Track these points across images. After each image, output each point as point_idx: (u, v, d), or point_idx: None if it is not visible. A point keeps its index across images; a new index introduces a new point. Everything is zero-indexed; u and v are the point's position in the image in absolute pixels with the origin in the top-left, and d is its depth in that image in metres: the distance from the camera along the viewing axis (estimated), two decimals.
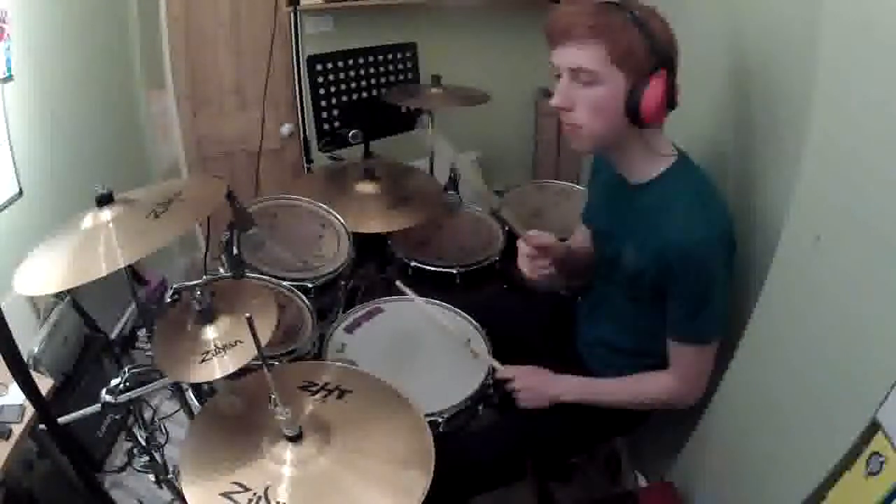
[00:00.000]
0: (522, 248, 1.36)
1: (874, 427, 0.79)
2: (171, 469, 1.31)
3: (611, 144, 1.18)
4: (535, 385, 1.34)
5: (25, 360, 1.12)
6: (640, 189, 1.21)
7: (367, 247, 1.92)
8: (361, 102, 2.39)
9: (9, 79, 1.63)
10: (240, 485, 0.90)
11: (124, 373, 1.14)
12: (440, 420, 1.29)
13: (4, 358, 0.85)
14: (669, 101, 1.08)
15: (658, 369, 1.27)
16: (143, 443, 1.26)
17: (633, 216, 1.22)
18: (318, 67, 2.28)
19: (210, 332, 1.13)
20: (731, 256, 1.16)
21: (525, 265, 1.37)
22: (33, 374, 0.93)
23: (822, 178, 0.96)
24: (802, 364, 0.99)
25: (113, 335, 2.11)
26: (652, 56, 1.05)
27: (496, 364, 1.39)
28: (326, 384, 1.10)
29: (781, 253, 1.07)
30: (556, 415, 1.35)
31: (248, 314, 0.89)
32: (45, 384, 1.43)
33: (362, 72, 2.37)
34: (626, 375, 1.32)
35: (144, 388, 1.15)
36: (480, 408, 1.38)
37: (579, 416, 1.34)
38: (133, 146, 2.44)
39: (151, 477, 1.30)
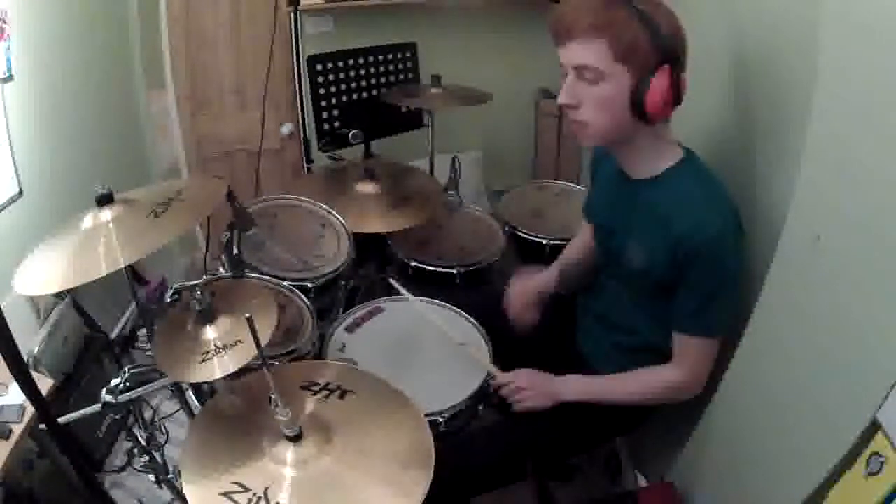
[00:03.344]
0: (516, 300, 1.48)
1: (874, 427, 0.79)
2: (171, 469, 1.30)
3: (618, 140, 1.18)
4: (536, 384, 1.32)
5: (25, 360, 1.12)
6: (645, 184, 1.21)
7: (367, 247, 1.92)
8: (361, 102, 2.39)
9: (9, 79, 1.63)
10: (240, 485, 0.90)
11: (124, 373, 1.14)
12: (440, 420, 1.29)
13: (4, 358, 0.85)
14: (675, 97, 1.08)
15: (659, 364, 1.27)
16: (143, 443, 1.26)
17: (639, 212, 1.22)
18: (318, 67, 2.28)
19: (210, 332, 1.12)
20: (741, 251, 1.16)
21: (519, 317, 1.49)
22: (33, 374, 0.93)
23: (822, 178, 0.96)
24: (802, 364, 0.99)
25: (113, 335, 2.11)
26: (656, 51, 1.04)
27: (494, 369, 1.37)
28: (328, 384, 1.10)
29: (781, 253, 1.07)
30: (557, 415, 1.35)
31: (248, 314, 0.89)
32: (45, 384, 1.43)
33: (362, 72, 2.37)
34: (626, 372, 1.31)
35: (144, 388, 1.15)
36: (480, 408, 1.38)
37: (579, 416, 1.34)
38: (133, 146, 2.44)
39: (151, 477, 1.30)
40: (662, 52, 1.04)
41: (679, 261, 1.13)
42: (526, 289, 1.50)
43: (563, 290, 1.50)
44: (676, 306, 1.19)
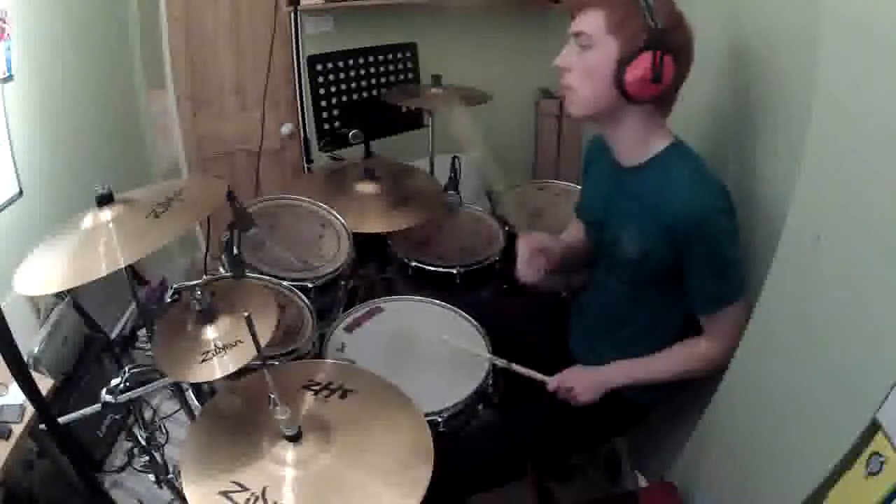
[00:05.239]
0: (522, 250, 1.40)
1: (874, 427, 0.78)
2: (171, 469, 1.31)
3: (604, 115, 1.20)
4: (583, 380, 1.33)
5: (25, 360, 1.12)
6: (636, 171, 1.23)
7: (367, 247, 1.92)
8: (361, 102, 2.39)
9: (9, 79, 1.63)
10: (239, 484, 0.90)
11: (124, 373, 1.14)
12: (440, 420, 1.29)
13: (4, 358, 0.85)
14: (655, 79, 1.10)
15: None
16: (143, 443, 1.26)
17: (631, 199, 1.24)
18: (318, 67, 2.28)
19: (210, 332, 1.13)
20: (735, 221, 1.18)
21: (524, 266, 1.42)
22: (33, 374, 0.93)
23: (822, 178, 0.96)
24: (802, 364, 0.99)
25: (113, 335, 2.11)
26: (646, 33, 1.08)
27: (543, 377, 1.36)
28: (329, 384, 1.10)
29: (781, 253, 1.07)
30: (556, 414, 1.35)
31: (247, 314, 0.89)
32: (45, 384, 1.43)
33: (362, 72, 2.37)
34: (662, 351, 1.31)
35: (144, 388, 1.15)
36: (480, 407, 1.38)
37: (579, 416, 1.34)
38: (133, 146, 2.44)
39: (151, 477, 1.30)
40: (652, 36, 1.08)
41: (678, 244, 1.15)
42: (533, 242, 1.46)
43: (563, 265, 1.49)
44: (691, 292, 1.21)
